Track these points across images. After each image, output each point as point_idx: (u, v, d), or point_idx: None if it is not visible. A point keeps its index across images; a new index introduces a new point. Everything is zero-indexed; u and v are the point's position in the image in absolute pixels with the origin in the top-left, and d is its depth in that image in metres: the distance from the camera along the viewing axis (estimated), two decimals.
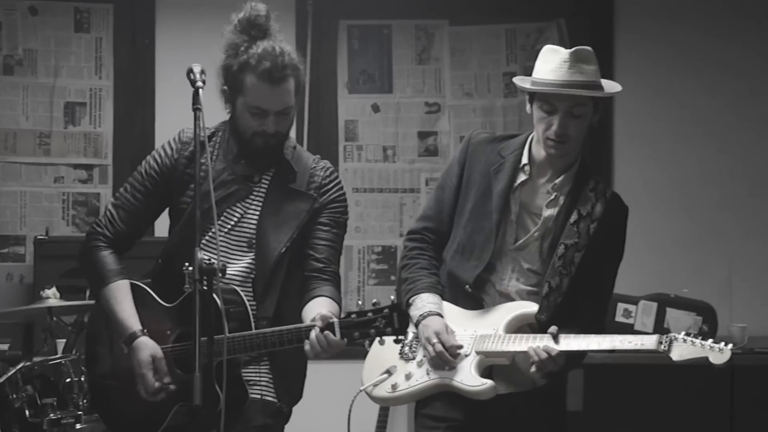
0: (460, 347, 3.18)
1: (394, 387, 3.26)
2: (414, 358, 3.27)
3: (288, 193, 3.19)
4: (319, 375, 3.59)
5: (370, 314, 2.88)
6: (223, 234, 3.15)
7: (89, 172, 5.29)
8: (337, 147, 5.32)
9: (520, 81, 3.29)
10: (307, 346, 2.98)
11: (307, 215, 3.19)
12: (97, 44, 5.30)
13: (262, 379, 3.19)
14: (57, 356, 4.24)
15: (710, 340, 3.01)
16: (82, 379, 4.09)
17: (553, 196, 3.24)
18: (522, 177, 3.26)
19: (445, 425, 3.24)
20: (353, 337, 2.90)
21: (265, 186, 3.21)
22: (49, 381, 4.09)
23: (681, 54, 5.23)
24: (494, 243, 3.24)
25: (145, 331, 3.12)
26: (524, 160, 3.26)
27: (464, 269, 3.28)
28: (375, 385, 3.28)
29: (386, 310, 2.88)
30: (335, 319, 2.92)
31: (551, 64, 3.17)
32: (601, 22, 5.23)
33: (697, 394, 4.54)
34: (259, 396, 3.16)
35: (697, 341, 3.01)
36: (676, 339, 3.02)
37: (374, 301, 2.95)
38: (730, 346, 3.00)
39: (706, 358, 3.01)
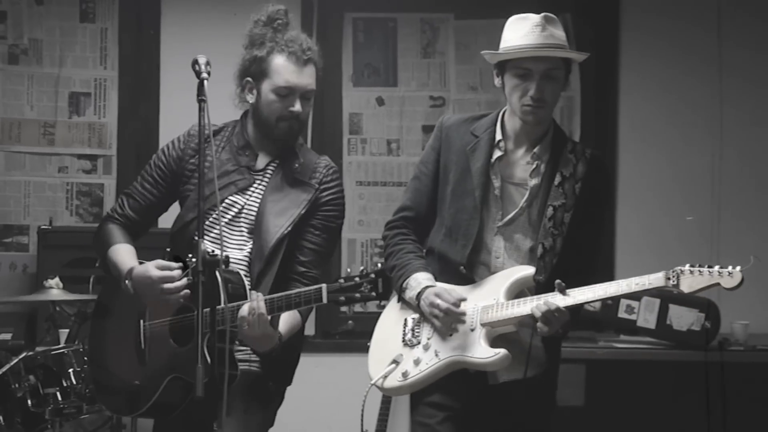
0: (463, 299, 3.18)
1: (404, 375, 3.26)
2: (419, 343, 3.27)
3: (291, 182, 3.28)
4: (320, 369, 3.59)
5: (356, 279, 2.93)
6: (224, 222, 3.24)
7: (93, 162, 5.29)
8: (341, 140, 5.32)
9: (489, 54, 3.27)
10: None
11: (307, 204, 3.27)
12: (103, 34, 5.30)
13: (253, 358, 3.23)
14: (59, 346, 4.25)
15: (717, 267, 2.97)
16: (85, 368, 4.10)
17: (534, 165, 3.26)
18: (498, 153, 3.28)
19: (444, 414, 3.24)
20: (339, 301, 2.94)
21: (269, 175, 3.30)
22: (51, 371, 4.10)
23: (685, 50, 5.22)
24: (479, 220, 3.25)
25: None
26: (498, 136, 3.29)
27: (454, 251, 3.29)
28: (385, 376, 3.28)
29: (372, 275, 2.93)
30: (323, 285, 2.96)
31: (522, 30, 3.18)
32: (606, 17, 5.22)
33: (699, 390, 4.53)
34: (247, 367, 3.20)
35: (705, 269, 2.97)
36: (683, 272, 2.98)
37: (362, 267, 3.03)
38: (738, 268, 2.95)
39: (718, 284, 2.96)
